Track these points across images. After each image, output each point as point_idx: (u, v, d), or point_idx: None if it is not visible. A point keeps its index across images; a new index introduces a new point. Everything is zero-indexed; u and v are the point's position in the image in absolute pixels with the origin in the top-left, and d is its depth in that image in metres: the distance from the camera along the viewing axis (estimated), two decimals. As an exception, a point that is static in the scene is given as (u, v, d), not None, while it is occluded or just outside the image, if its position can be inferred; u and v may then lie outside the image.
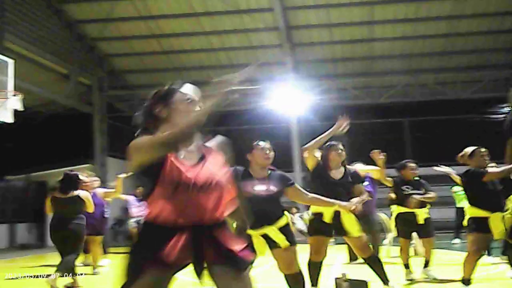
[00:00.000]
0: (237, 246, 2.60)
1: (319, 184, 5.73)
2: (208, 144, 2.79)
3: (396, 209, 7.32)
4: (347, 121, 5.69)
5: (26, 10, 15.15)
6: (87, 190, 9.23)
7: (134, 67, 19.98)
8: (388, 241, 10.37)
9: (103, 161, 18.72)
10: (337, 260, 9.79)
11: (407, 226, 7.15)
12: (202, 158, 2.65)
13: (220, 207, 2.60)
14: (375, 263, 5.72)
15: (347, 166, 5.87)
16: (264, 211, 4.60)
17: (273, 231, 4.68)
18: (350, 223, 5.56)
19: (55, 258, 12.62)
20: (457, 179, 7.87)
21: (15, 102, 10.41)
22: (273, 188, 4.74)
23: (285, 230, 4.76)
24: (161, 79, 20.14)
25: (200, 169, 2.59)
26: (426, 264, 7.24)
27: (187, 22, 17.25)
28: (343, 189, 5.62)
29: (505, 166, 5.51)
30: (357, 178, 5.85)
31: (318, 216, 5.65)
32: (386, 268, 5.79)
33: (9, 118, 10.32)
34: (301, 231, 13.71)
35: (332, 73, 19.63)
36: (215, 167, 2.66)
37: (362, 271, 6.75)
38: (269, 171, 4.87)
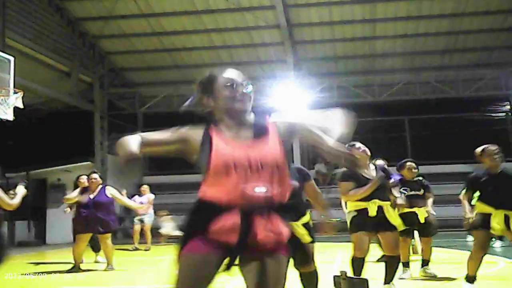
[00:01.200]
0: (284, 234, 2.56)
1: (355, 185, 5.77)
2: (267, 120, 2.72)
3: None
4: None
5: (27, 7, 15.14)
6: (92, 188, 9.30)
7: (135, 65, 19.97)
8: None
9: (104, 159, 18.70)
10: (336, 258, 9.77)
11: (408, 224, 7.15)
12: (258, 135, 2.61)
13: (274, 188, 2.52)
14: (394, 264, 5.73)
15: (373, 162, 5.90)
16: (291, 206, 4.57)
17: (297, 227, 4.65)
18: (394, 217, 5.63)
19: (55, 256, 12.68)
20: None
21: (16, 100, 10.40)
22: (294, 183, 4.66)
23: (308, 227, 4.75)
24: (162, 77, 20.27)
25: (254, 149, 2.55)
26: (425, 263, 7.23)
27: (189, 20, 17.23)
28: (380, 187, 5.70)
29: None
30: (387, 173, 5.97)
31: (362, 212, 5.67)
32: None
33: (9, 116, 10.32)
34: (169, 236, 13.40)
35: (334, 71, 19.62)
36: (272, 148, 2.58)
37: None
38: None
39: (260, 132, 2.63)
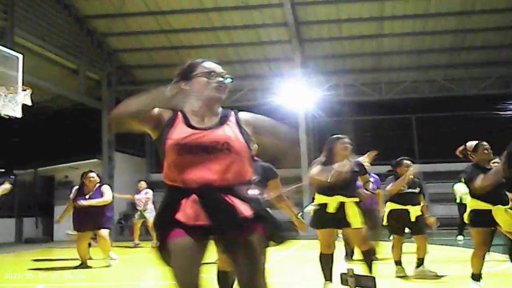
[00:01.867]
0: (246, 214, 2.59)
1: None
2: (236, 115, 2.85)
3: (389, 206, 7.28)
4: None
5: (35, 5, 15.20)
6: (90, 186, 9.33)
7: (143, 63, 20.01)
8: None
9: (111, 156, 18.77)
10: (342, 255, 9.76)
11: (399, 222, 7.13)
12: (220, 124, 2.73)
13: (230, 171, 2.61)
14: (367, 258, 5.70)
15: (351, 159, 5.85)
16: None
17: None
18: (353, 214, 5.57)
19: (62, 253, 12.74)
20: None
21: (24, 97, 10.43)
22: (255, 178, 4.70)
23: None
24: (170, 75, 20.10)
25: (210, 133, 2.66)
26: (421, 262, 7.14)
27: (197, 18, 17.25)
28: (343, 181, 5.62)
29: (493, 172, 5.54)
30: (362, 169, 5.92)
31: (322, 207, 5.66)
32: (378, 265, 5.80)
33: (18, 113, 10.35)
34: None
35: (341, 69, 19.59)
36: (228, 133, 2.69)
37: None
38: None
39: (222, 121, 2.75)
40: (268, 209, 2.74)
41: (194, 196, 2.56)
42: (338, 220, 5.60)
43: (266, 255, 2.64)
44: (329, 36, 18.17)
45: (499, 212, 5.60)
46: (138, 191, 13.92)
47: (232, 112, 2.84)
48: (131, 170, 19.69)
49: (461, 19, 17.18)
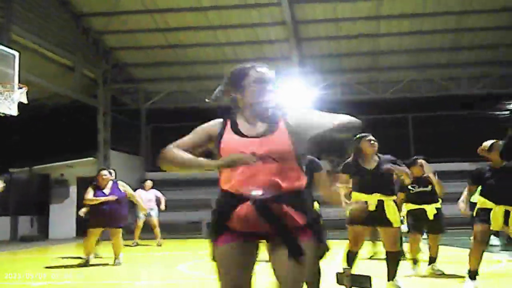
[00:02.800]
0: (298, 225, 2.61)
1: (355, 176, 5.84)
2: (285, 118, 2.75)
3: (406, 206, 7.35)
4: None
5: (32, 2, 15.12)
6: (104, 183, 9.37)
7: (139, 61, 19.94)
8: None
9: (107, 154, 18.69)
10: (339, 255, 9.73)
11: (418, 221, 7.20)
12: (270, 131, 2.68)
13: (281, 179, 2.59)
14: (394, 260, 5.72)
15: (380, 155, 5.87)
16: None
17: None
18: (394, 213, 5.60)
19: (57, 251, 12.71)
20: None
21: (21, 95, 10.39)
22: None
23: None
24: (166, 73, 20.27)
25: (260, 142, 2.64)
26: (433, 260, 7.22)
27: (194, 16, 17.19)
28: (379, 178, 5.68)
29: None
30: (394, 163, 5.90)
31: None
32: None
33: (14, 111, 10.31)
34: None
35: (338, 68, 19.58)
36: (278, 141, 2.66)
37: (363, 266, 6.73)
38: None
39: (272, 127, 2.69)
40: (318, 217, 2.73)
41: (248, 204, 2.57)
42: (377, 218, 5.63)
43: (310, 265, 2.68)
44: (327, 35, 18.15)
45: (497, 212, 5.61)
46: (144, 190, 13.84)
47: (282, 116, 2.76)
48: (127, 169, 19.59)
49: (459, 18, 17.17)
